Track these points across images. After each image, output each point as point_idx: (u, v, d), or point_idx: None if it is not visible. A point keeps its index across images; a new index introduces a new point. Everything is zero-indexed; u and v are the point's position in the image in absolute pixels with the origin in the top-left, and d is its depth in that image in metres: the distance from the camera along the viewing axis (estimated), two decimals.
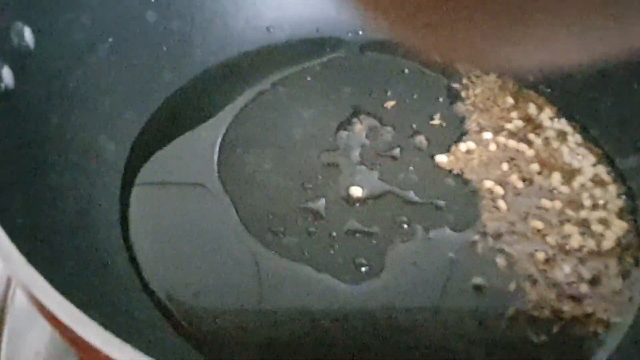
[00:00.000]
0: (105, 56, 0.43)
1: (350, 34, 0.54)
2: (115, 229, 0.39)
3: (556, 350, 0.35)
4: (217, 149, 0.44)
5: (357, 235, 0.39)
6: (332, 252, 0.38)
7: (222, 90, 0.49)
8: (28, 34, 0.36)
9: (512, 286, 0.37)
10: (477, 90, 0.50)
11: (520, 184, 0.43)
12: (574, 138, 0.46)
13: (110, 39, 0.44)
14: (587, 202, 0.42)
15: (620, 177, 0.44)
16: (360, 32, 0.54)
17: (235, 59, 0.51)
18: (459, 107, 0.49)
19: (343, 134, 0.46)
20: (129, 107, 0.45)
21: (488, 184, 0.43)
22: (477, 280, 0.37)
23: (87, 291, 0.29)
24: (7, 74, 0.34)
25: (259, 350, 0.34)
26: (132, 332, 0.28)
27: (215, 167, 0.43)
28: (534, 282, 0.37)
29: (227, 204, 0.41)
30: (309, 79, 0.50)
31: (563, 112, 0.48)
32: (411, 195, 0.42)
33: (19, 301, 0.38)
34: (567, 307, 0.36)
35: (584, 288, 0.37)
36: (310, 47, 0.53)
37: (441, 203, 0.41)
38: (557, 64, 0.43)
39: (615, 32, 0.36)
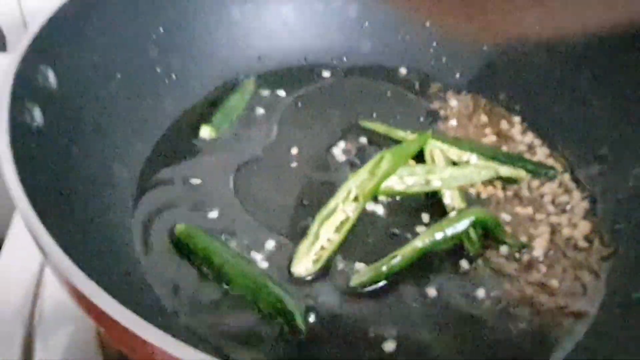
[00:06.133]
0: (115, 91, 0.47)
1: (335, 61, 0.59)
2: (130, 249, 0.43)
3: (532, 339, 0.40)
4: (231, 174, 0.48)
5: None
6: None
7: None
8: (51, 76, 0.40)
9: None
10: (454, 110, 0.55)
11: (500, 193, 0.48)
12: (542, 150, 0.52)
13: (118, 75, 0.48)
14: (555, 207, 0.47)
15: (582, 183, 0.49)
16: (344, 59, 0.59)
17: (230, 87, 0.55)
18: (439, 125, 0.54)
19: (335, 154, 0.50)
20: (137, 136, 0.49)
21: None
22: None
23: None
24: (38, 114, 0.38)
25: None
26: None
27: (232, 188, 0.47)
28: (512, 280, 0.42)
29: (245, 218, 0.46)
30: (299, 105, 0.55)
31: (531, 127, 0.54)
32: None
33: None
34: (543, 301, 0.41)
35: (555, 283, 0.42)
36: (299, 74, 0.58)
37: (425, 216, 0.46)
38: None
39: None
